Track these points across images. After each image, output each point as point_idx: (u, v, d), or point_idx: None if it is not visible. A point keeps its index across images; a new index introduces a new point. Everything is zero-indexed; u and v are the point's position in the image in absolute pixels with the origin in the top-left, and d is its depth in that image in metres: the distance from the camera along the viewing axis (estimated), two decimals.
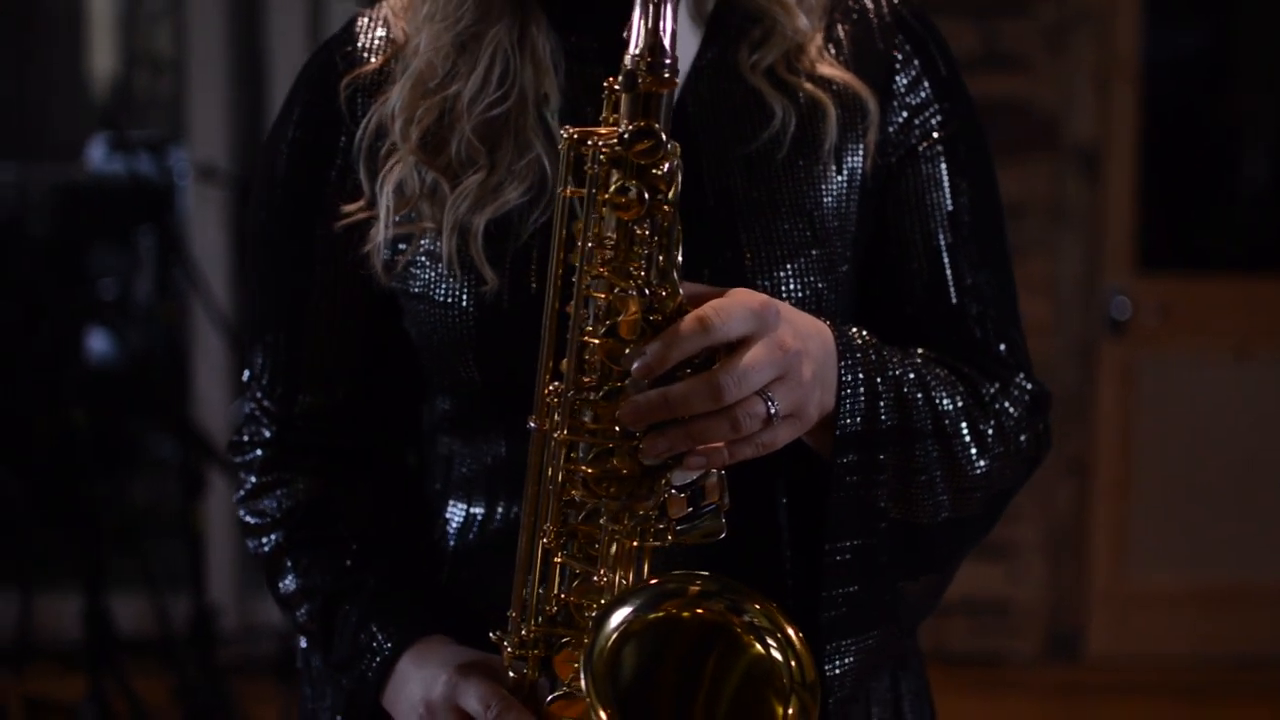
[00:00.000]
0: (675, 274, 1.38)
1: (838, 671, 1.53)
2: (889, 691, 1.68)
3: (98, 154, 5.62)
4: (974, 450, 1.56)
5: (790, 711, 1.37)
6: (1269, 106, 5.98)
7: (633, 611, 1.39)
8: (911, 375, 1.54)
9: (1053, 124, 5.47)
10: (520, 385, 1.50)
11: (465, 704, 1.47)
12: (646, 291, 1.37)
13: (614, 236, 1.38)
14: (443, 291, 1.56)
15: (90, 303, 5.81)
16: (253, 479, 1.69)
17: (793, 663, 1.39)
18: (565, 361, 1.40)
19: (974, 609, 5.56)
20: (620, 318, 1.38)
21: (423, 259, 1.58)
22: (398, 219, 1.57)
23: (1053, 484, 5.57)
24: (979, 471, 1.57)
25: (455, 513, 1.65)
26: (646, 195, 1.37)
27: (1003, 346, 1.65)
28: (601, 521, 1.42)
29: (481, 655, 1.52)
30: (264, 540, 1.66)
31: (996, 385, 1.62)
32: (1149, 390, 5.59)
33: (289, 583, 1.64)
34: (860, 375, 1.49)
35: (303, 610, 1.63)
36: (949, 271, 1.62)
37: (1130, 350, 5.57)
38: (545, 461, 1.43)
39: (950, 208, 1.62)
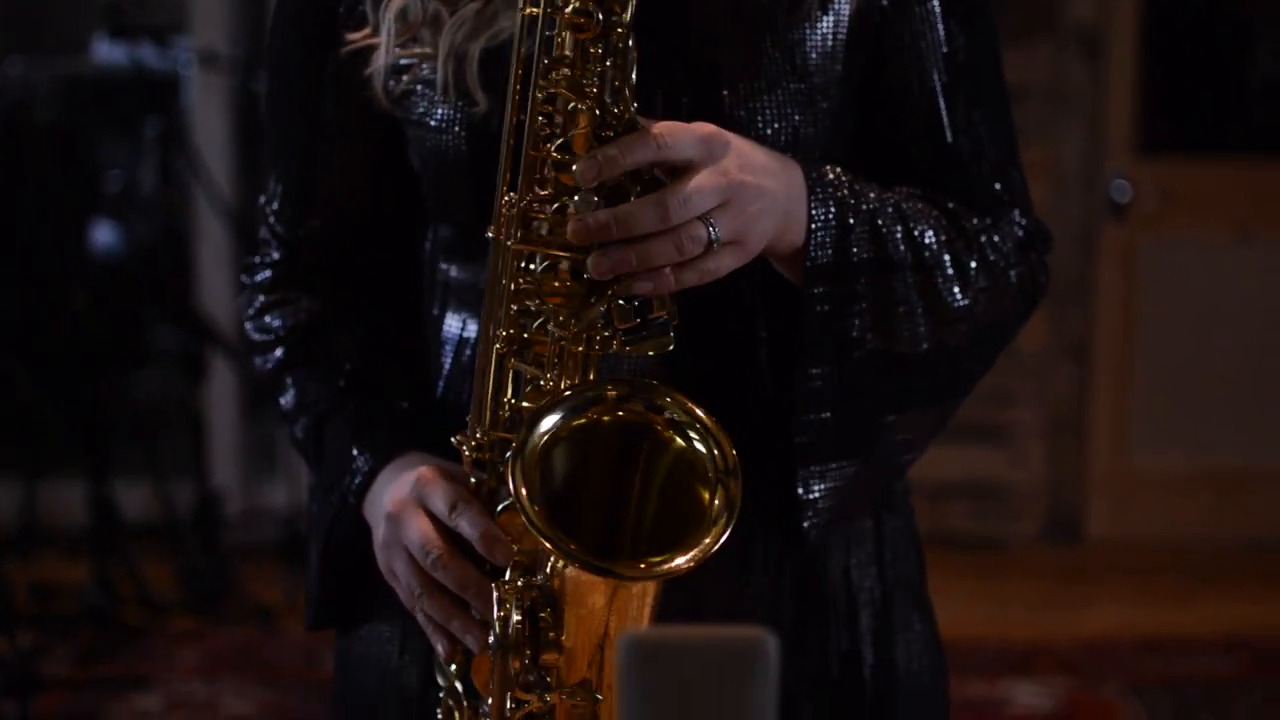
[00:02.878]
0: (628, 93, 1.43)
1: (811, 496, 1.58)
2: (871, 532, 1.71)
3: (103, 47, 5.62)
4: (956, 283, 1.59)
5: (717, 501, 1.42)
6: None
7: (558, 419, 1.45)
8: (890, 209, 1.57)
9: (1052, 6, 5.45)
10: None
11: (431, 504, 1.53)
12: (598, 110, 1.42)
13: (570, 55, 1.43)
14: (439, 116, 1.61)
15: (96, 195, 5.83)
16: (260, 297, 1.75)
17: (715, 451, 1.44)
18: (519, 175, 1.45)
19: (974, 492, 5.60)
20: (573, 132, 1.43)
21: (421, 87, 1.62)
22: (399, 45, 1.62)
23: (1053, 367, 5.59)
24: (961, 304, 1.60)
25: (451, 333, 1.70)
26: (601, 16, 1.42)
27: (998, 185, 1.67)
28: (550, 328, 1.47)
29: (449, 464, 1.58)
30: (268, 357, 1.73)
31: (987, 220, 1.64)
32: (1149, 274, 5.60)
33: (288, 399, 1.71)
34: (831, 210, 1.53)
35: (298, 426, 1.70)
36: (944, 111, 1.65)
37: (1131, 234, 5.57)
38: (500, 270, 1.48)
39: (945, 49, 1.64)
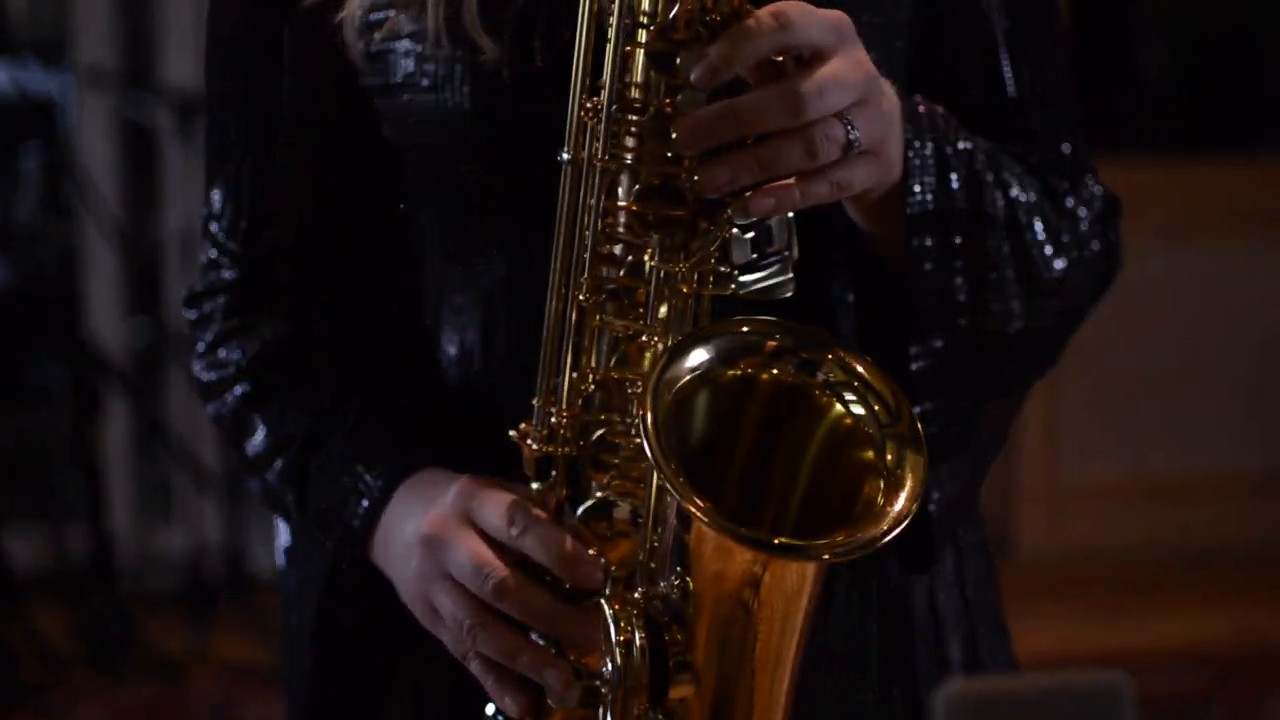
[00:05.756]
0: None
1: (930, 508, 1.33)
2: (953, 574, 1.51)
3: None
4: (1049, 248, 1.37)
5: (888, 459, 1.18)
6: None
7: (705, 361, 1.19)
8: (982, 155, 1.35)
9: None
10: (522, 182, 1.33)
11: (482, 518, 1.27)
12: None
13: None
14: (431, 72, 1.36)
15: None
16: (213, 330, 1.49)
17: (876, 406, 1.19)
18: (605, 74, 1.20)
19: None
20: (673, 12, 1.17)
21: (405, 42, 1.37)
22: None
23: None
24: (1055, 273, 1.37)
25: (451, 345, 1.44)
26: None
27: (1067, 146, 1.46)
28: (651, 265, 1.21)
29: (494, 479, 1.31)
30: (226, 397, 1.46)
31: (1067, 183, 1.43)
32: None
33: (259, 440, 1.44)
34: (929, 144, 1.30)
35: (275, 468, 1.43)
36: (1006, 62, 1.43)
37: None
38: (579, 199, 1.22)
39: None
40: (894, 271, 1.33)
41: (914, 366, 1.30)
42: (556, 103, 1.26)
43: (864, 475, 1.18)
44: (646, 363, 1.21)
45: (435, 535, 1.28)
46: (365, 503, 1.36)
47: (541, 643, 1.25)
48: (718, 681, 1.18)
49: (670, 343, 1.20)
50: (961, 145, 1.33)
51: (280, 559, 1.54)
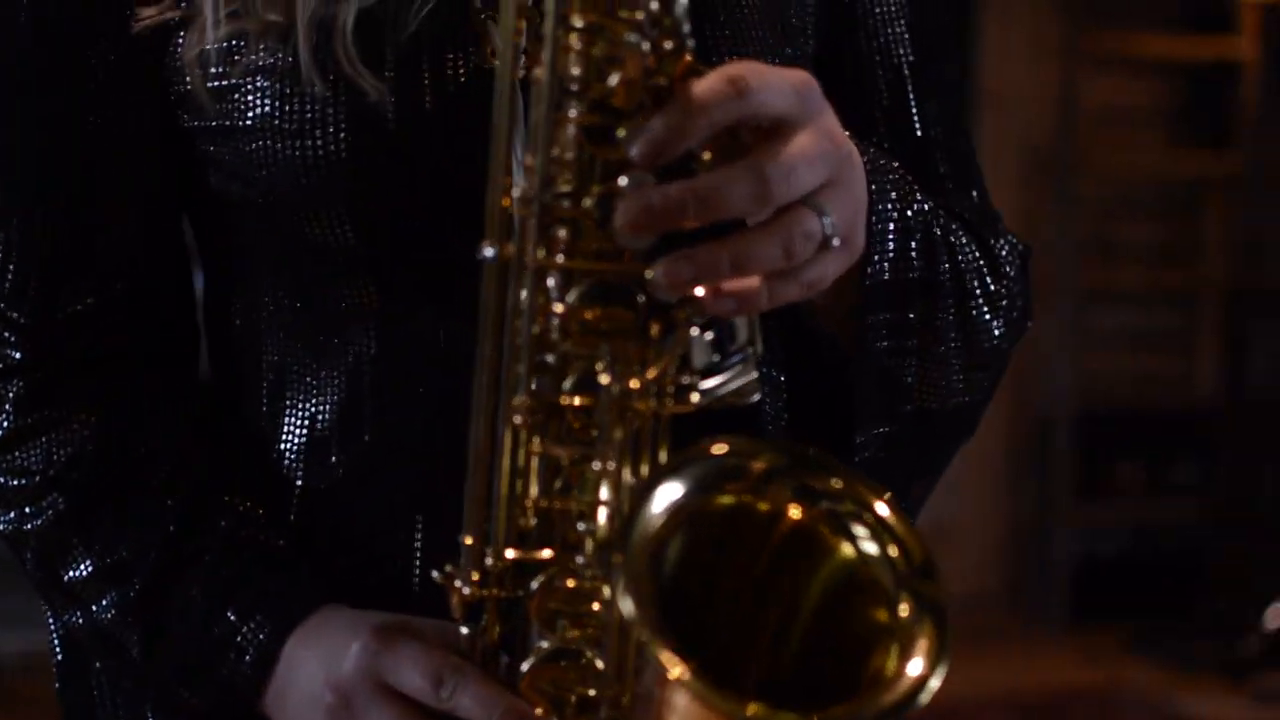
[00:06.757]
0: (683, 21, 0.99)
1: None
2: None
3: None
4: (988, 313, 1.24)
5: (904, 612, 1.01)
6: None
7: (686, 493, 1.00)
8: (937, 215, 1.21)
9: None
10: (405, 246, 1.17)
11: (398, 679, 1.09)
12: (646, 46, 0.98)
13: None
14: (294, 115, 1.15)
15: None
16: (6, 423, 1.24)
17: (891, 550, 1.02)
18: (529, 155, 1.01)
19: None
20: (614, 80, 0.99)
21: (258, 80, 1.17)
22: (227, 13, 1.16)
23: None
24: (993, 342, 1.24)
25: (294, 434, 1.23)
26: None
27: (975, 192, 1.33)
28: (604, 381, 1.02)
29: (401, 616, 1.13)
30: (30, 510, 1.22)
31: (992, 237, 1.29)
32: None
33: (84, 568, 1.21)
34: (892, 206, 1.15)
35: (105, 602, 1.20)
36: (913, 99, 1.29)
37: None
38: (510, 304, 1.03)
39: (910, 18, 1.30)
40: (834, 346, 1.20)
41: (859, 457, 1.17)
42: (448, 154, 1.14)
43: (871, 632, 1.02)
44: (597, 489, 1.05)
45: (343, 705, 1.12)
46: (249, 657, 1.17)
47: None
48: None
49: (627, 469, 1.04)
50: (919, 205, 1.19)
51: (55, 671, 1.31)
